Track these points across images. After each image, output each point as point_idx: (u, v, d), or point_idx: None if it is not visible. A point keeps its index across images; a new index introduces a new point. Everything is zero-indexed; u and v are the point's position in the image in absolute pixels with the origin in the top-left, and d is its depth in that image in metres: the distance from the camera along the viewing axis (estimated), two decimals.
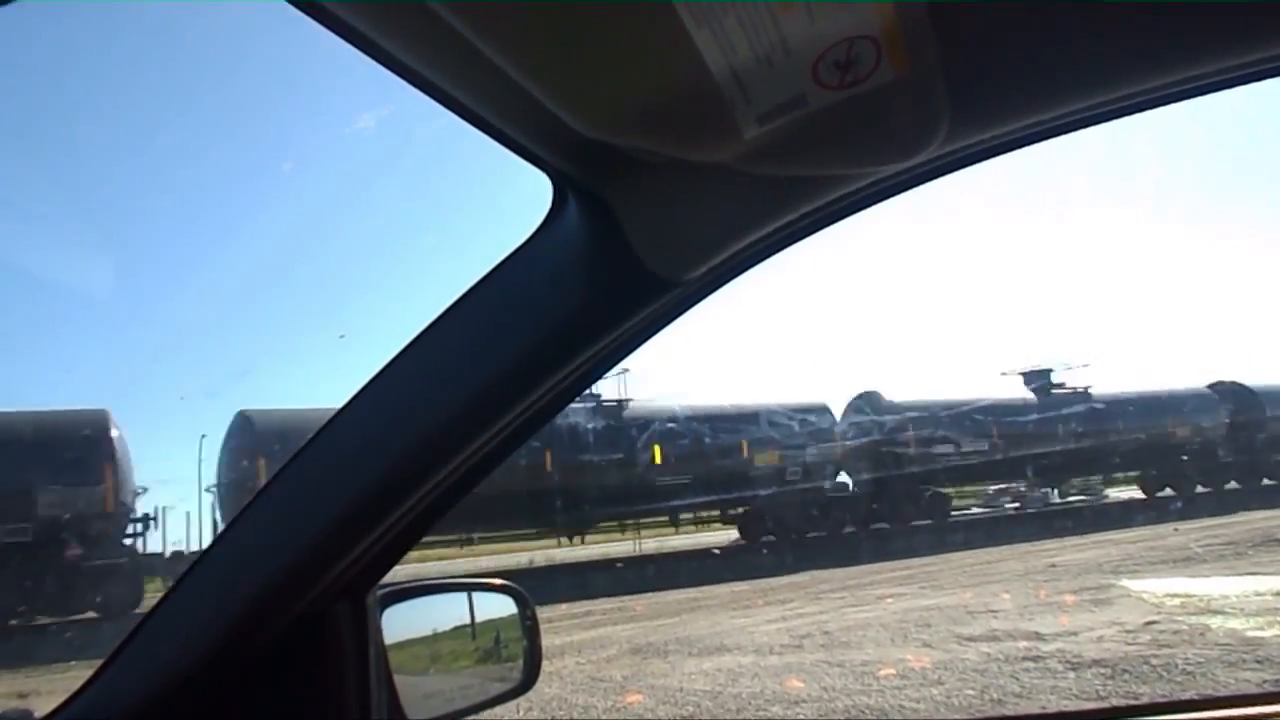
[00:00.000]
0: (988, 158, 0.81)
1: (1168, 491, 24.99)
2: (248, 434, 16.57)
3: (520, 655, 1.36)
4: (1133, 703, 5.10)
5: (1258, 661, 5.97)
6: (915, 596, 10.33)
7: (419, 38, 0.68)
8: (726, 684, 6.64)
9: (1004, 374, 25.11)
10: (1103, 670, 6.12)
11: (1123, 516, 20.07)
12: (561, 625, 9.96)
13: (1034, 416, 23.76)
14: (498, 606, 1.35)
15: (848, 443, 22.18)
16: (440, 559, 18.26)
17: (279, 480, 1.03)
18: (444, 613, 1.31)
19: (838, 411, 22.54)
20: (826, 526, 20.82)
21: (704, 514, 21.68)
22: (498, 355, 0.93)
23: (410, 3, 0.61)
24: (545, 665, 1.39)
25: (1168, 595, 8.85)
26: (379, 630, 1.14)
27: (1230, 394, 26.25)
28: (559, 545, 20.54)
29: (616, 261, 0.86)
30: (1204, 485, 25.09)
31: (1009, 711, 5.40)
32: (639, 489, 19.64)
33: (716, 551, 19.43)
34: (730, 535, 21.59)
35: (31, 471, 13.81)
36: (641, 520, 21.30)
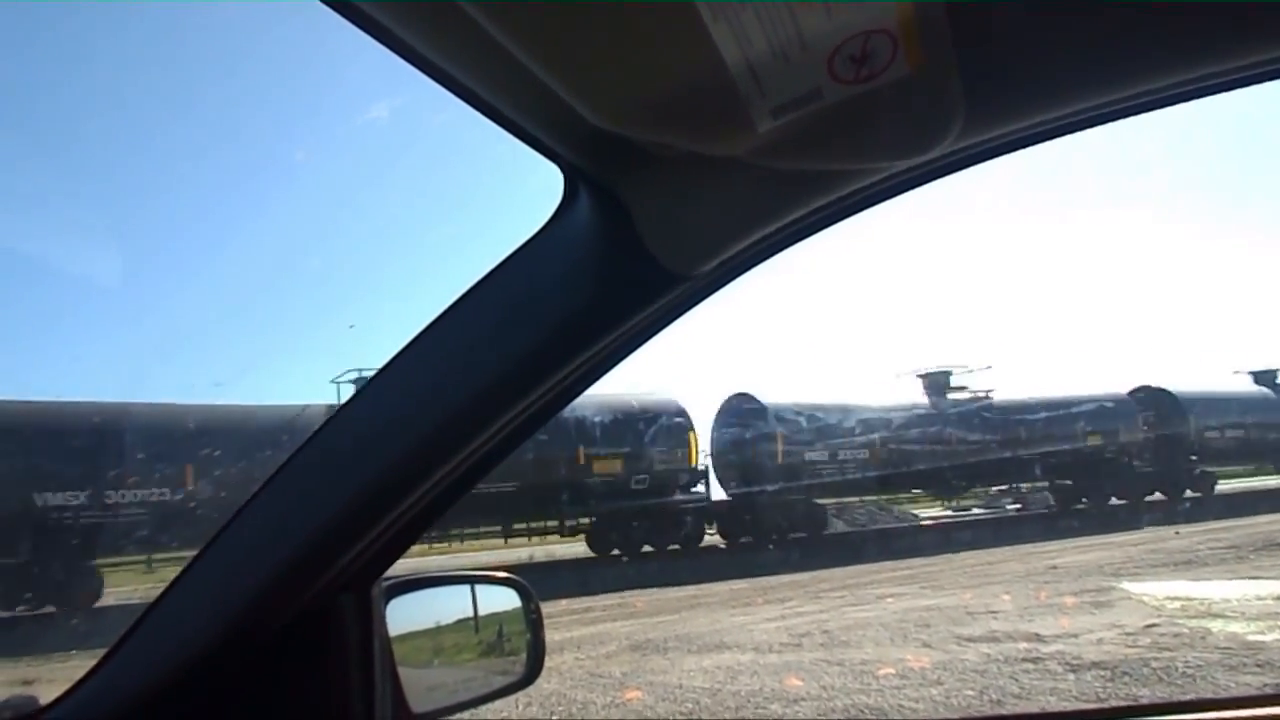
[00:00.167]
0: (1002, 153, 0.81)
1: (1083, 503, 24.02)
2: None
3: (523, 649, 1.36)
4: (1130, 704, 5.11)
5: (1258, 665, 5.97)
6: (915, 596, 10.34)
7: (435, 27, 0.68)
8: (725, 681, 6.65)
9: (899, 375, 24.48)
10: (1102, 672, 6.12)
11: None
12: (561, 621, 9.97)
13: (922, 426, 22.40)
14: (501, 600, 1.35)
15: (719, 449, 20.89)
16: (439, 554, 18.23)
17: (286, 471, 1.03)
18: (448, 605, 1.31)
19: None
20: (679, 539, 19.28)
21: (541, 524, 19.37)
22: (506, 348, 0.93)
23: None
24: (544, 661, 1.39)
25: (1168, 598, 8.85)
26: (383, 622, 1.14)
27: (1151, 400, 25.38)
28: (559, 541, 20.10)
29: (627, 255, 0.86)
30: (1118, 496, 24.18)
31: (1006, 711, 5.40)
32: None
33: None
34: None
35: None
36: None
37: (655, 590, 12.67)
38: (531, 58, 0.63)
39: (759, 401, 20.91)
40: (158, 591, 1.09)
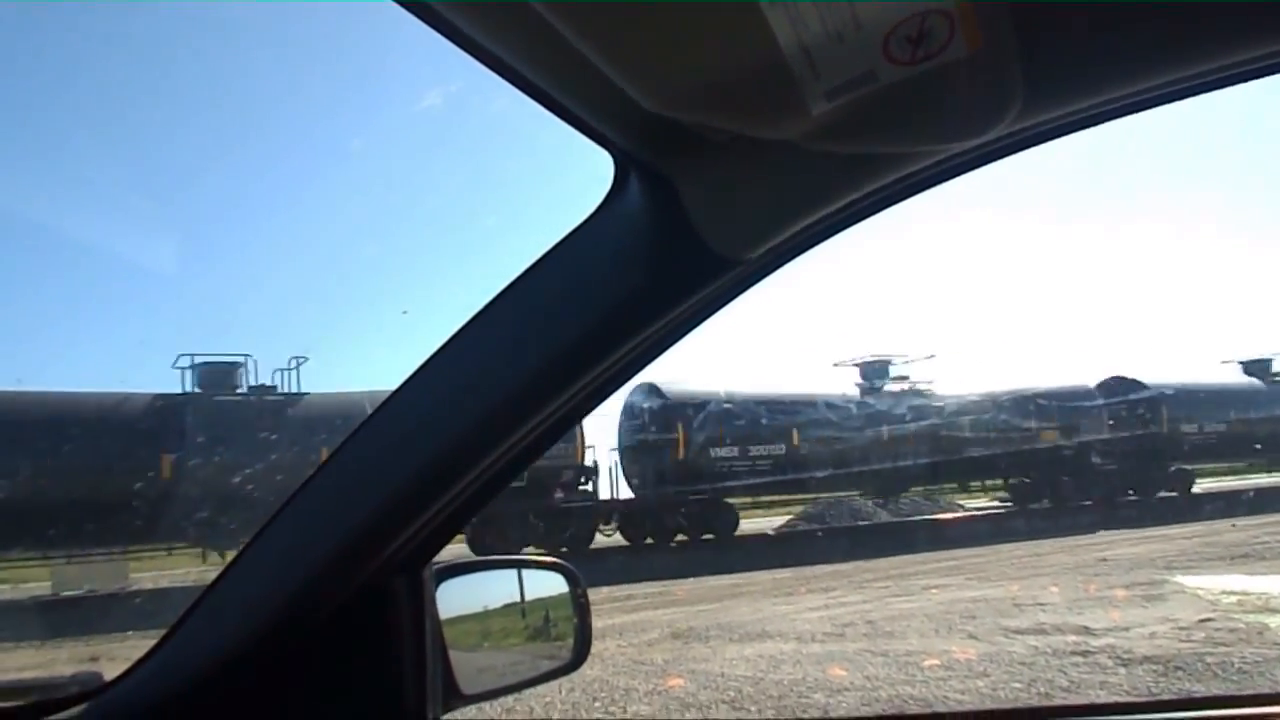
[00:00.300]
0: (1059, 135, 0.79)
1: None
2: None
3: (570, 634, 1.37)
4: (1183, 698, 5.01)
5: None
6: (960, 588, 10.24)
7: (490, 13, 0.68)
8: (768, 670, 6.64)
9: (836, 364, 22.12)
10: (1155, 667, 6.01)
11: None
12: (603, 608, 10.02)
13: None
14: (549, 584, 1.36)
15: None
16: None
17: (341, 454, 1.05)
18: (496, 589, 1.33)
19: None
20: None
21: None
22: (557, 333, 0.94)
23: None
24: (591, 646, 1.40)
25: (1224, 592, 8.65)
26: (434, 604, 1.15)
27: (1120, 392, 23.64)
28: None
29: (677, 240, 0.86)
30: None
31: (1056, 703, 5.33)
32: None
33: None
34: None
35: None
36: None
37: None
38: (586, 43, 0.63)
39: (664, 394, 19.27)
40: None
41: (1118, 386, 23.60)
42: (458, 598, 1.22)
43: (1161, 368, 24.61)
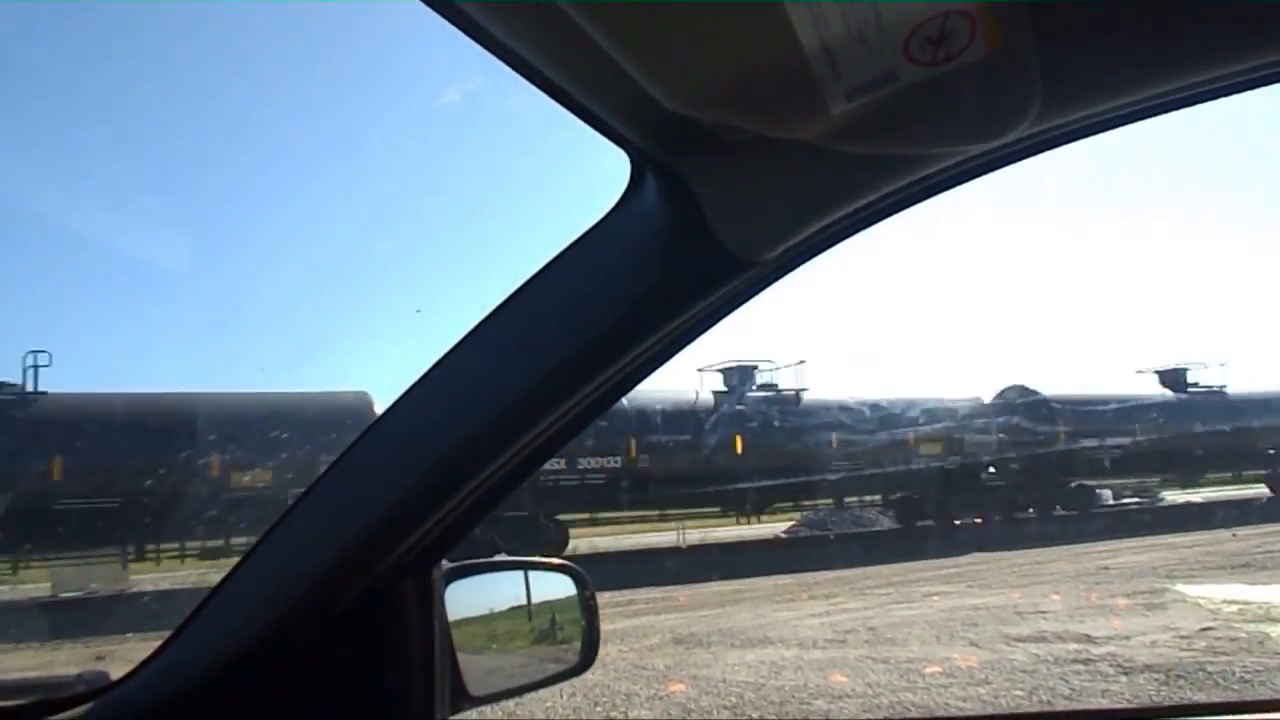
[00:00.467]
0: (1077, 138, 0.79)
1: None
2: None
3: (577, 636, 1.37)
4: (1183, 704, 5.00)
5: None
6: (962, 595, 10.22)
7: (512, 10, 0.68)
8: (769, 676, 6.63)
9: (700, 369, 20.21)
10: (1156, 675, 6.00)
11: None
12: (605, 613, 9.95)
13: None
14: (558, 587, 1.36)
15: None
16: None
17: (351, 454, 1.05)
18: (504, 591, 1.32)
19: None
20: None
21: None
22: (571, 333, 0.93)
23: None
24: (599, 649, 1.40)
25: (1225, 601, 8.64)
26: (443, 605, 1.15)
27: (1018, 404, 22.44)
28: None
29: (693, 240, 0.85)
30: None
31: (1059, 709, 5.32)
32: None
33: None
34: None
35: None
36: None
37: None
38: (609, 41, 0.63)
39: None
40: None
41: (1014, 397, 22.29)
42: (465, 599, 1.21)
43: (1068, 378, 23.92)
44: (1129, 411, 22.75)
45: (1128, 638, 7.24)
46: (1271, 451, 23.95)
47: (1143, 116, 0.77)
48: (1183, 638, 7.12)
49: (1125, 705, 5.37)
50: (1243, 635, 7.09)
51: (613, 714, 5.79)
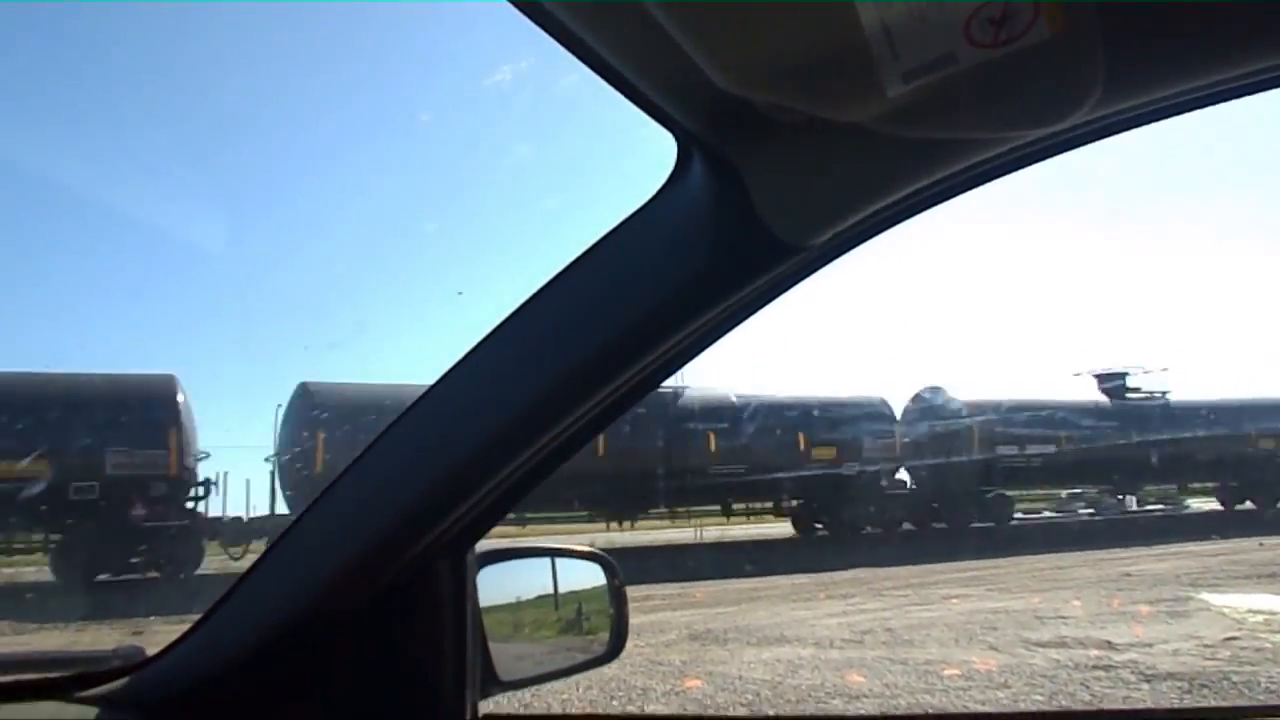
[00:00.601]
0: (1137, 125, 0.77)
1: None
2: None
3: (606, 625, 1.36)
4: (1196, 707, 4.94)
5: None
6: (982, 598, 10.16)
7: None
8: (786, 675, 6.61)
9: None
10: (1179, 684, 5.93)
11: None
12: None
13: None
14: (587, 574, 1.36)
15: None
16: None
17: (390, 435, 1.05)
18: (535, 577, 1.32)
19: None
20: None
21: None
22: (613, 318, 0.93)
23: None
24: (628, 637, 1.40)
25: (1250, 611, 8.53)
26: (475, 589, 1.15)
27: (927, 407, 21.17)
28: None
29: (740, 225, 0.85)
30: None
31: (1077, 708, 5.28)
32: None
33: None
34: None
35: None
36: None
37: None
38: (667, 14, 0.62)
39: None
40: None
41: (928, 400, 21.10)
42: (497, 584, 1.21)
43: (991, 380, 22.44)
44: (1055, 417, 21.42)
45: (1150, 645, 7.16)
46: (1217, 463, 22.60)
47: (1210, 102, 0.75)
48: (1206, 646, 7.02)
49: (1146, 707, 5.32)
50: (1268, 645, 7.01)
51: (628, 709, 5.80)
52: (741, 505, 20.18)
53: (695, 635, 8.30)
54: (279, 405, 16.95)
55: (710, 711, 5.74)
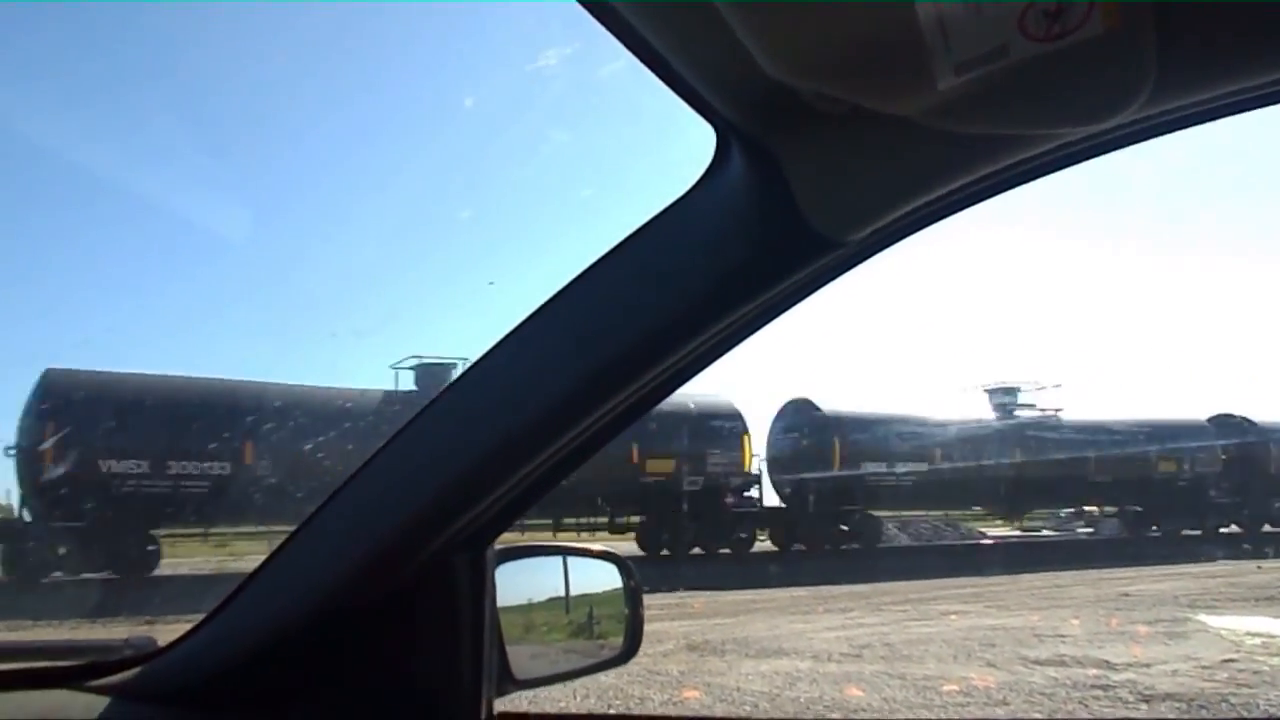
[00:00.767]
0: (1187, 125, 0.77)
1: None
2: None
3: (621, 626, 1.35)
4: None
5: None
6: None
7: None
8: (784, 687, 6.58)
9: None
10: (1177, 704, 5.91)
11: None
12: None
13: None
14: (603, 574, 1.35)
15: None
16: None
17: (413, 428, 1.04)
18: (551, 576, 1.31)
19: None
20: None
21: None
22: (646, 311, 0.92)
23: None
24: (642, 638, 1.38)
25: (1248, 634, 8.51)
26: (493, 586, 1.14)
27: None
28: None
29: (779, 217, 0.84)
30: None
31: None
32: None
33: None
34: None
35: None
36: None
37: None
38: (721, 2, 0.61)
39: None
40: None
41: (792, 413, 20.49)
42: (513, 581, 1.20)
43: (870, 394, 21.85)
44: (928, 433, 20.34)
45: (1148, 665, 7.14)
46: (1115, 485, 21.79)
47: (1262, 104, 0.75)
48: (1204, 668, 7.00)
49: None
50: (1266, 668, 6.98)
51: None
52: (573, 520, 18.45)
53: (693, 646, 8.27)
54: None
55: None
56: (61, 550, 14.23)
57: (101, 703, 1.07)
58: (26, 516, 14.89)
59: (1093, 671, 6.94)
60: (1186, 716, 5.67)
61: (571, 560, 1.35)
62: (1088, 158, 0.81)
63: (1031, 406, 22.19)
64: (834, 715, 5.84)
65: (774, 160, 0.81)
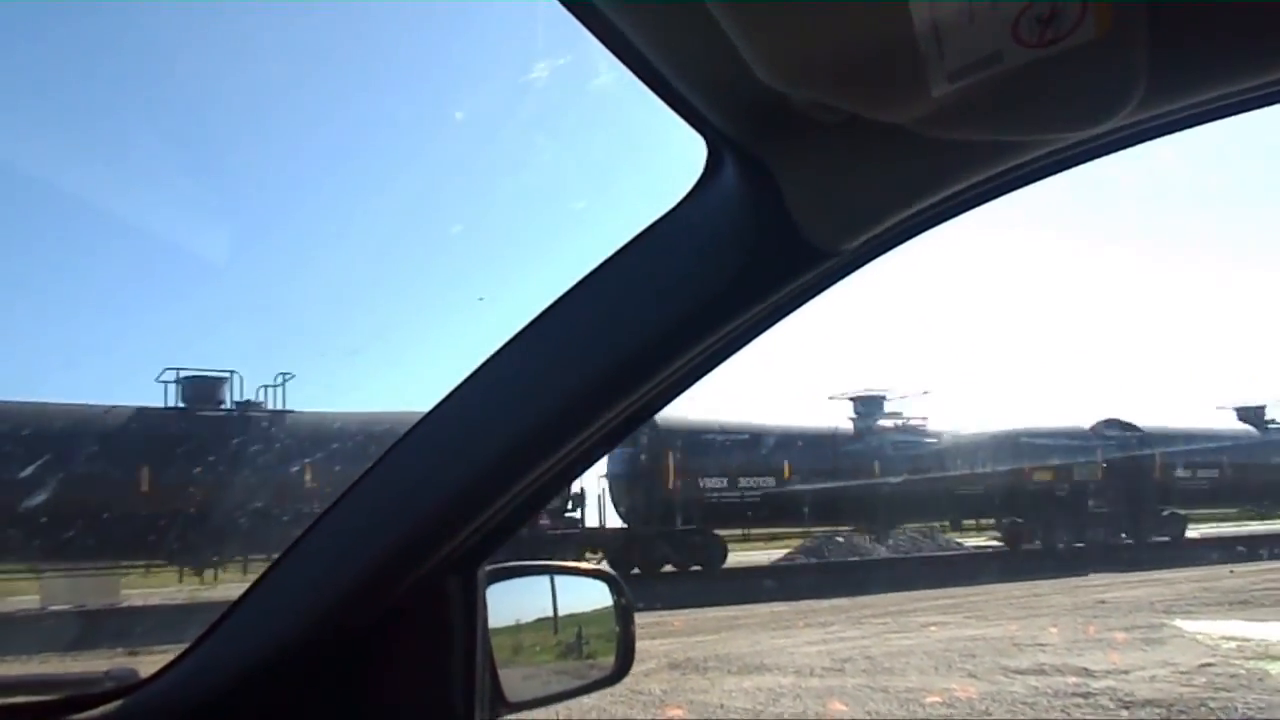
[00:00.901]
0: (1178, 129, 0.77)
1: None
2: None
3: (613, 644, 1.34)
4: None
5: None
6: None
7: None
8: (767, 704, 6.56)
9: None
10: (1157, 710, 5.96)
11: None
12: None
13: None
14: (595, 592, 1.33)
15: None
16: None
17: (403, 445, 1.02)
18: (542, 595, 1.29)
19: None
20: None
21: None
22: (635, 326, 0.91)
23: None
24: (634, 658, 1.37)
25: (1223, 638, 8.60)
26: (485, 606, 1.12)
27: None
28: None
29: (771, 228, 0.83)
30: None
31: None
32: None
33: None
34: None
35: None
36: None
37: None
38: (722, 7, 0.61)
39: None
40: None
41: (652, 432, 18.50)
42: (505, 601, 1.18)
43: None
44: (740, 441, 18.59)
45: (1126, 672, 7.19)
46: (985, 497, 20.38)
47: (1250, 107, 0.75)
48: (1182, 673, 7.07)
49: None
50: (1242, 672, 7.05)
51: None
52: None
53: (675, 664, 8.23)
54: None
55: None
56: None
57: None
58: None
59: (1073, 679, 6.98)
60: None
61: (564, 579, 1.33)
62: (1079, 163, 0.82)
63: (899, 415, 20.48)
64: None
65: (766, 170, 0.81)
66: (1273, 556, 17.46)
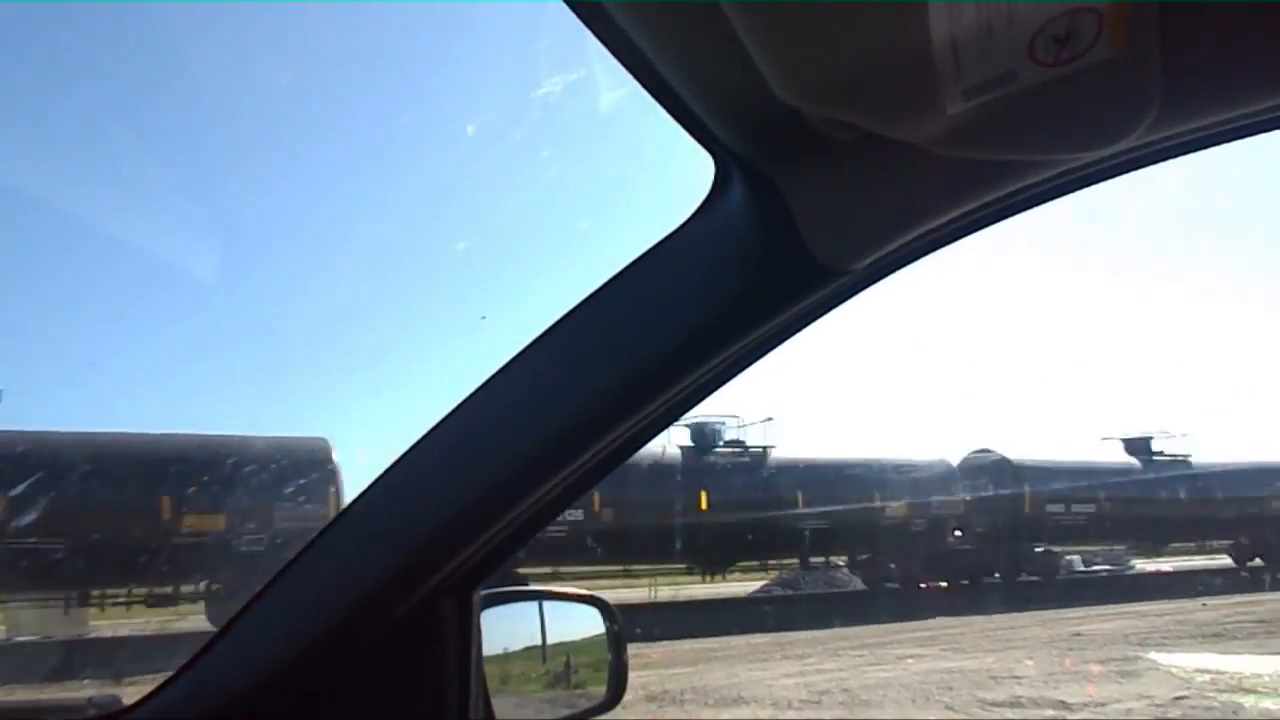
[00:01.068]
0: (1190, 151, 0.78)
1: None
2: None
3: (605, 671, 1.31)
4: None
5: None
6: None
7: None
8: None
9: None
10: None
11: None
12: None
13: None
14: (586, 618, 1.31)
15: None
16: None
17: (398, 469, 1.00)
18: (535, 621, 1.27)
19: None
20: None
21: None
22: (644, 344, 0.90)
23: None
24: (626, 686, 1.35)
25: (1197, 670, 8.63)
26: (480, 631, 1.10)
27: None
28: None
29: (779, 246, 0.83)
30: None
31: None
32: None
33: None
34: None
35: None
36: None
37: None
38: (742, 21, 0.61)
39: None
40: None
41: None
42: (499, 626, 1.17)
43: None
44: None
45: (1103, 704, 7.20)
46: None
47: (1262, 129, 0.76)
48: (1157, 705, 7.10)
49: None
50: (1216, 705, 7.08)
51: None
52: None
53: (652, 697, 8.14)
54: None
55: None
56: None
57: None
58: None
59: (1050, 713, 6.98)
60: None
61: (557, 605, 1.31)
62: (1090, 183, 0.82)
63: (740, 444, 18.85)
64: None
65: (774, 188, 0.81)
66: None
